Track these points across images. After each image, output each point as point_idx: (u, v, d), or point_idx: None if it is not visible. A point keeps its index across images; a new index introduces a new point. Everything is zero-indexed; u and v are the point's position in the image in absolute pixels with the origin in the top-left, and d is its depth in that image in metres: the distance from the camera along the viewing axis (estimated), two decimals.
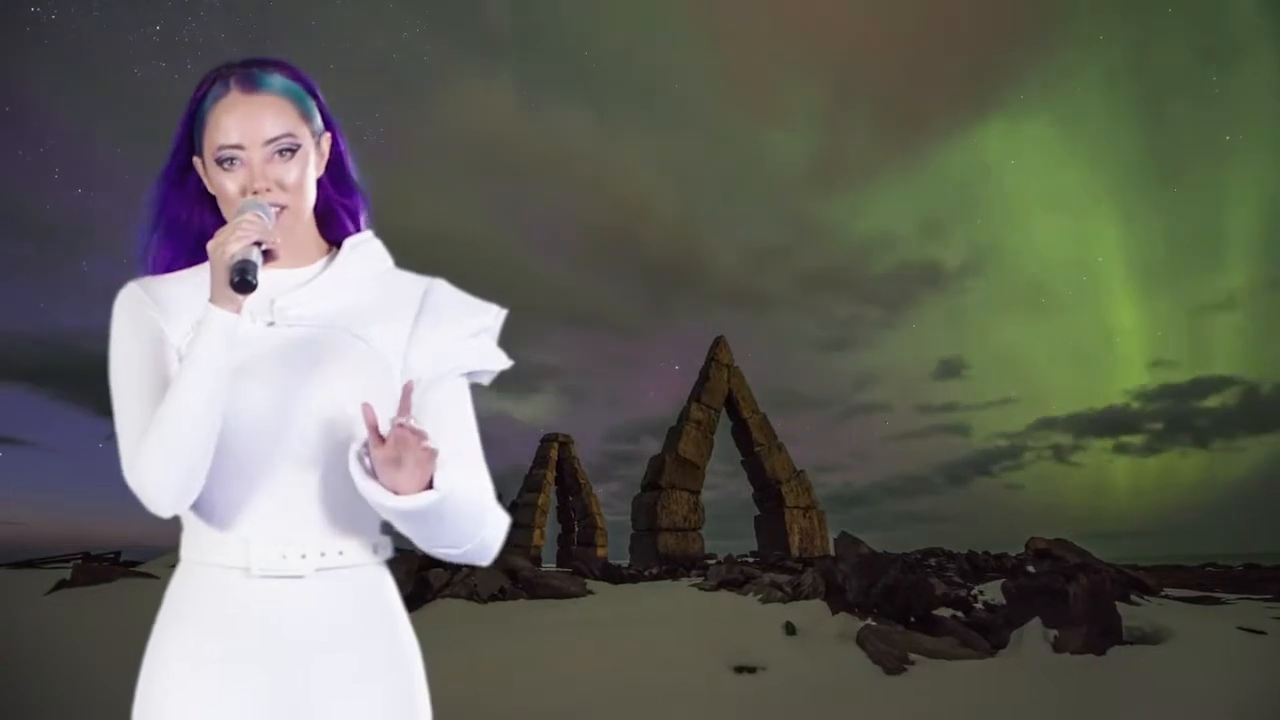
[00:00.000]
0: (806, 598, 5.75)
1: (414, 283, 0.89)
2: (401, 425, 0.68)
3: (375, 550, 0.83)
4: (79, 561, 12.94)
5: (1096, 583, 5.03)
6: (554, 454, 22.20)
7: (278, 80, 0.83)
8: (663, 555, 12.46)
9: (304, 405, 0.78)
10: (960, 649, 4.56)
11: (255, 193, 0.80)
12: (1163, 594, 8.78)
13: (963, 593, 6.20)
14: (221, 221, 0.86)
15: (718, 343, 15.41)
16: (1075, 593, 4.86)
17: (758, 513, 14.89)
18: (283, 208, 0.82)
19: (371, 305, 0.86)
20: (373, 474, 0.72)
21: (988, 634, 5.14)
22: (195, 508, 0.78)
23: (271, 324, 0.82)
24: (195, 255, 0.90)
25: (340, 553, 0.79)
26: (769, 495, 14.52)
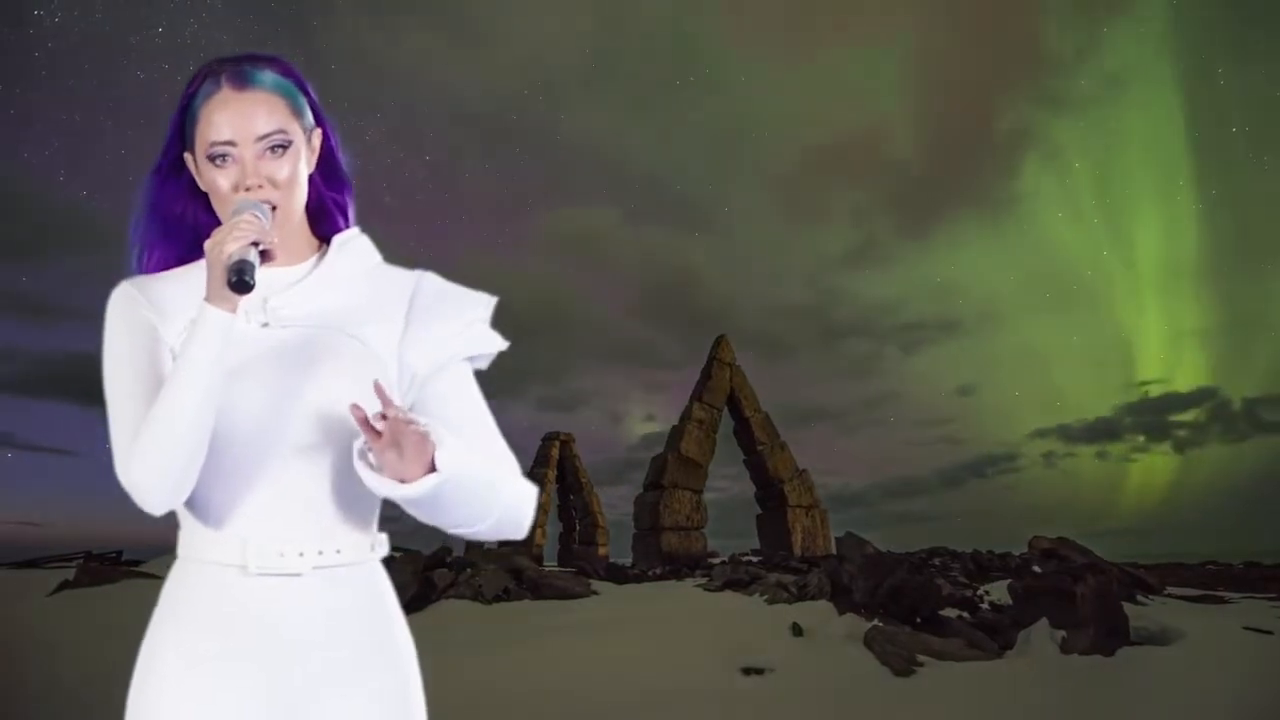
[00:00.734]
0: (813, 598, 5.74)
1: (404, 277, 0.90)
2: (387, 417, 0.69)
3: (372, 548, 0.83)
4: (81, 561, 12.94)
5: (1103, 583, 5.02)
6: (555, 453, 22.19)
7: (269, 76, 0.83)
8: (665, 554, 12.46)
9: (300, 405, 0.79)
10: (968, 650, 4.55)
11: (248, 189, 0.80)
12: (1165, 593, 8.79)
13: (968, 593, 6.19)
14: (214, 218, 0.86)
15: (719, 341, 15.38)
16: (1083, 593, 4.85)
17: (759, 511, 14.89)
18: (274, 206, 0.82)
19: (364, 302, 0.86)
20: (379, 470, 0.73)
21: (994, 634, 5.13)
22: (192, 506, 0.78)
23: (266, 325, 0.82)
24: (188, 253, 0.90)
25: (337, 551, 0.79)
26: (771, 494, 14.51)
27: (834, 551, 13.71)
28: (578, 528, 22.30)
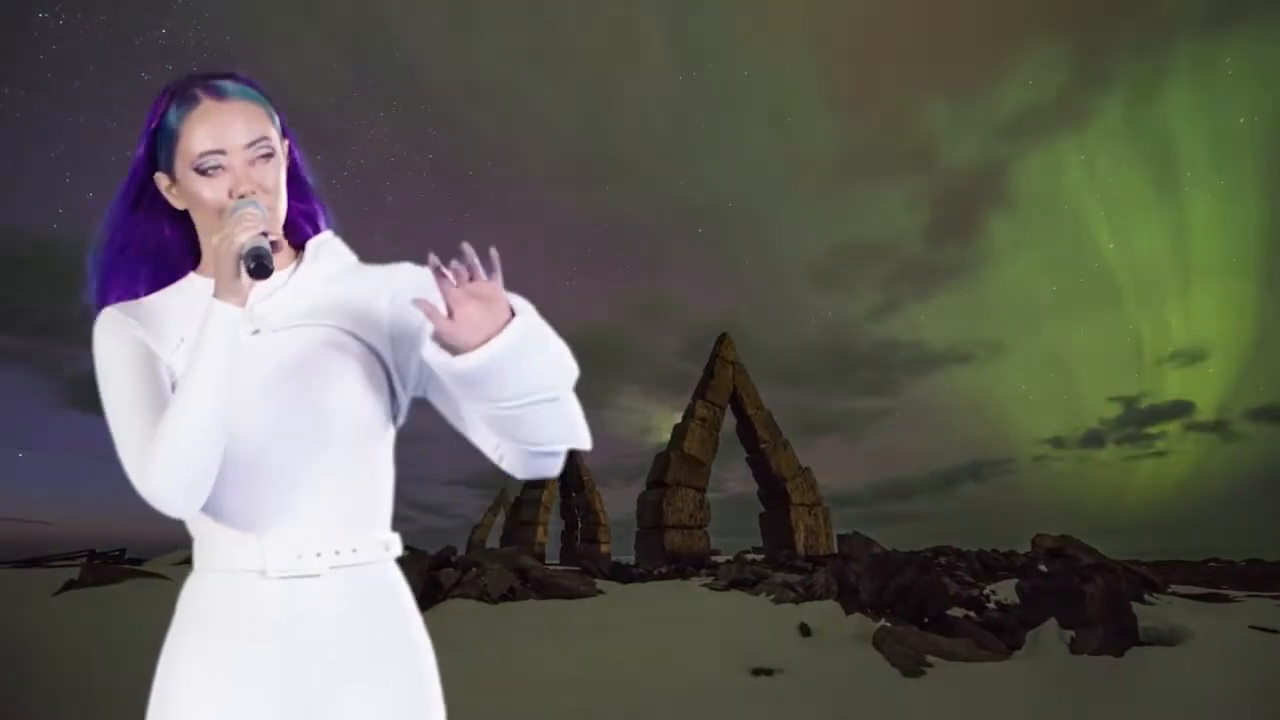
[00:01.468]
0: (819, 598, 5.73)
1: (380, 271, 0.91)
2: (458, 286, 0.72)
3: (386, 548, 0.84)
4: (85, 560, 12.94)
5: (1112, 583, 5.01)
6: None
7: (241, 87, 0.84)
8: (669, 553, 12.45)
9: (305, 405, 0.79)
10: (977, 650, 4.54)
11: (242, 195, 0.81)
12: (1169, 591, 8.78)
13: (975, 592, 6.18)
14: (183, 242, 0.88)
15: (722, 339, 15.36)
16: (1092, 593, 4.84)
17: (762, 510, 14.88)
18: (269, 209, 0.82)
19: (347, 299, 0.87)
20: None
21: (1001, 634, 5.12)
22: (208, 514, 0.79)
23: (256, 332, 0.82)
24: (156, 279, 0.89)
25: (354, 550, 0.80)
26: (774, 492, 14.50)
27: (836, 550, 13.71)
28: (580, 526, 22.32)
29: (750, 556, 12.27)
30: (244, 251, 0.74)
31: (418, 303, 0.73)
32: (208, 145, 0.80)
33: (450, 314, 0.74)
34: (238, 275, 0.75)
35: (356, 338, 0.84)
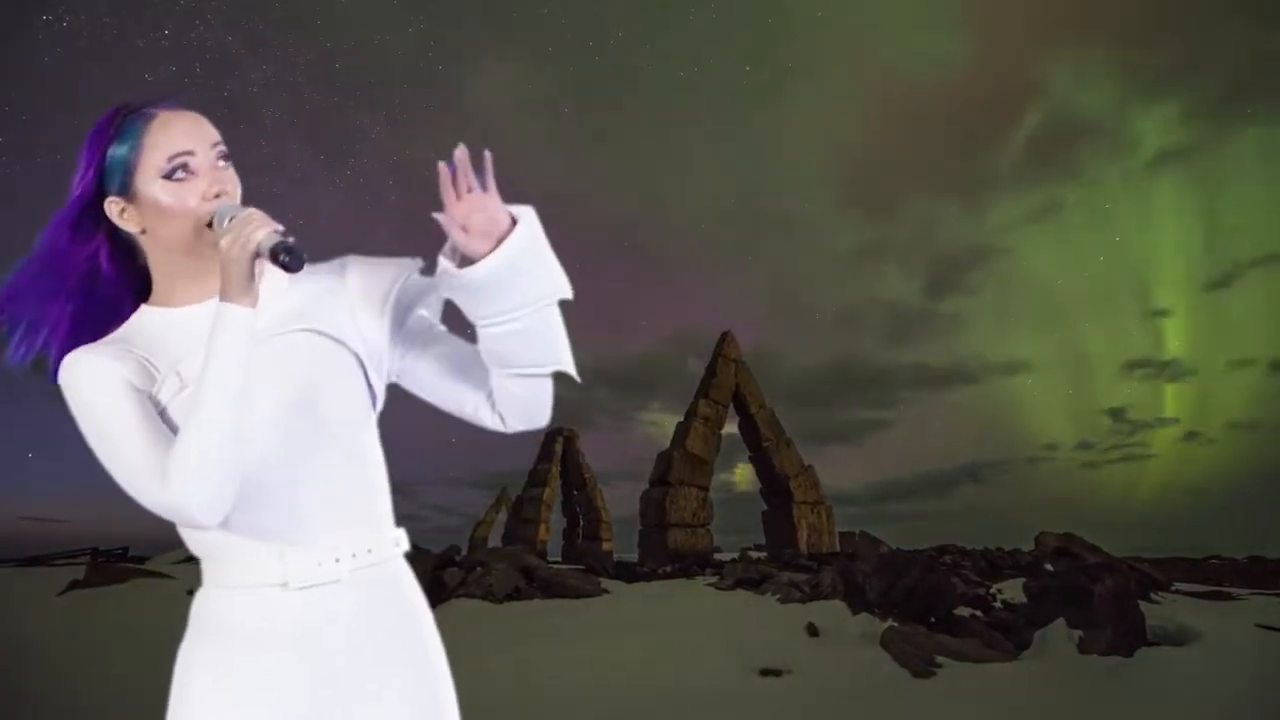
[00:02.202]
0: (825, 597, 5.72)
1: (331, 268, 0.91)
2: (459, 198, 0.75)
3: (396, 544, 0.85)
4: (89, 559, 12.95)
5: (1121, 583, 5.00)
6: (559, 449, 22.19)
7: (190, 103, 0.84)
8: (672, 551, 12.45)
9: (305, 412, 0.79)
10: (985, 650, 4.53)
11: (216, 196, 0.80)
12: (1172, 589, 8.77)
13: (981, 591, 6.17)
14: (119, 275, 0.85)
15: (724, 338, 15.33)
16: (1100, 593, 4.83)
17: (764, 508, 14.88)
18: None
19: (311, 301, 0.87)
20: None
21: (1009, 634, 5.11)
22: (220, 529, 0.78)
23: None
24: (104, 319, 0.85)
25: (369, 551, 0.81)
26: (777, 491, 14.49)
27: (838, 548, 13.71)
28: (581, 523, 22.32)
29: (753, 554, 12.26)
30: (269, 247, 0.74)
31: (437, 216, 0.76)
32: (177, 146, 0.80)
33: (460, 224, 0.76)
34: (251, 277, 0.75)
35: (331, 337, 0.84)
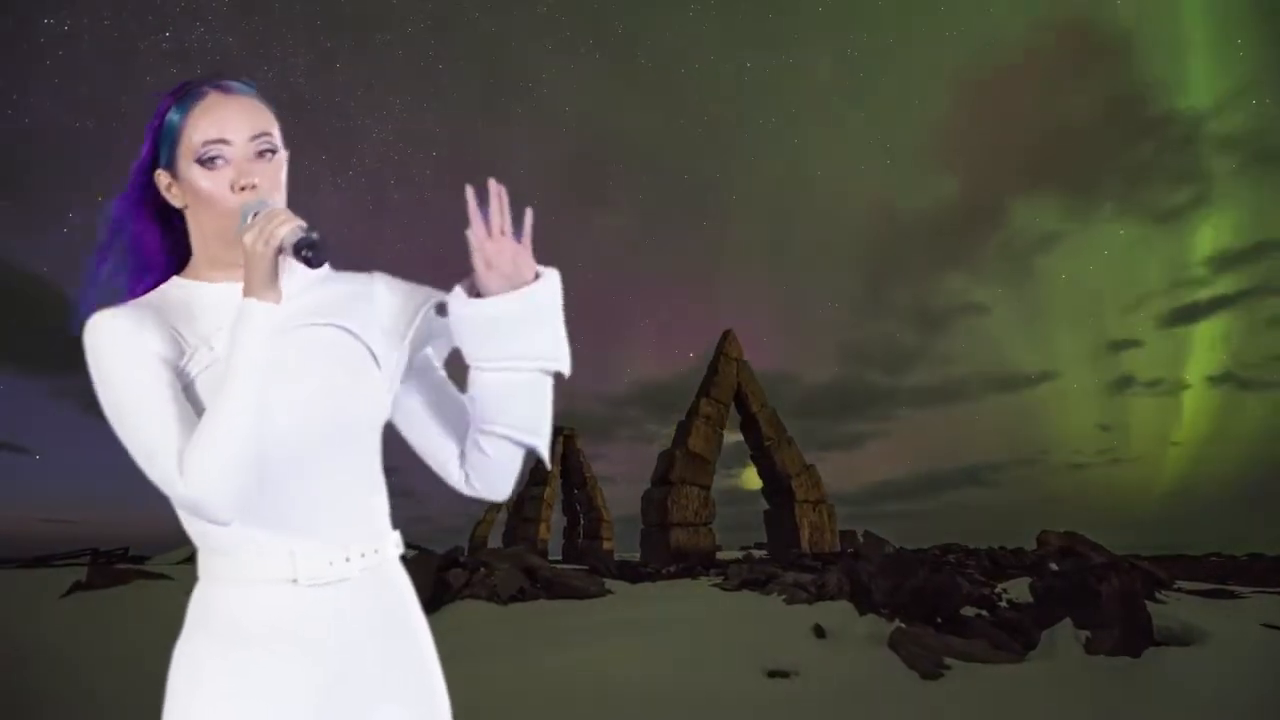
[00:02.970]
0: (831, 598, 5.70)
1: (359, 279, 0.91)
2: (491, 240, 0.76)
3: (396, 544, 0.86)
4: (90, 560, 12.92)
5: (1127, 582, 4.99)
6: (559, 447, 22.17)
7: (250, 87, 0.85)
8: (674, 550, 12.44)
9: (323, 407, 0.79)
10: (993, 651, 4.52)
11: (243, 188, 0.80)
12: (1175, 587, 8.77)
13: (986, 591, 6.16)
14: (166, 245, 0.87)
15: (726, 336, 15.31)
16: (1108, 593, 4.82)
17: (766, 507, 14.87)
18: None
19: (342, 300, 0.87)
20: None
21: (1015, 634, 5.10)
22: (229, 528, 0.77)
23: None
24: (141, 284, 0.88)
25: (376, 551, 0.81)
26: (778, 489, 14.49)
27: (840, 546, 13.70)
28: (582, 522, 22.32)
29: (755, 553, 12.26)
30: (293, 242, 0.74)
31: (470, 236, 0.76)
32: (212, 134, 0.80)
33: (486, 260, 0.77)
34: (275, 274, 0.75)
35: (355, 335, 0.85)
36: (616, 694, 4.00)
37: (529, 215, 0.78)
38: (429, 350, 0.91)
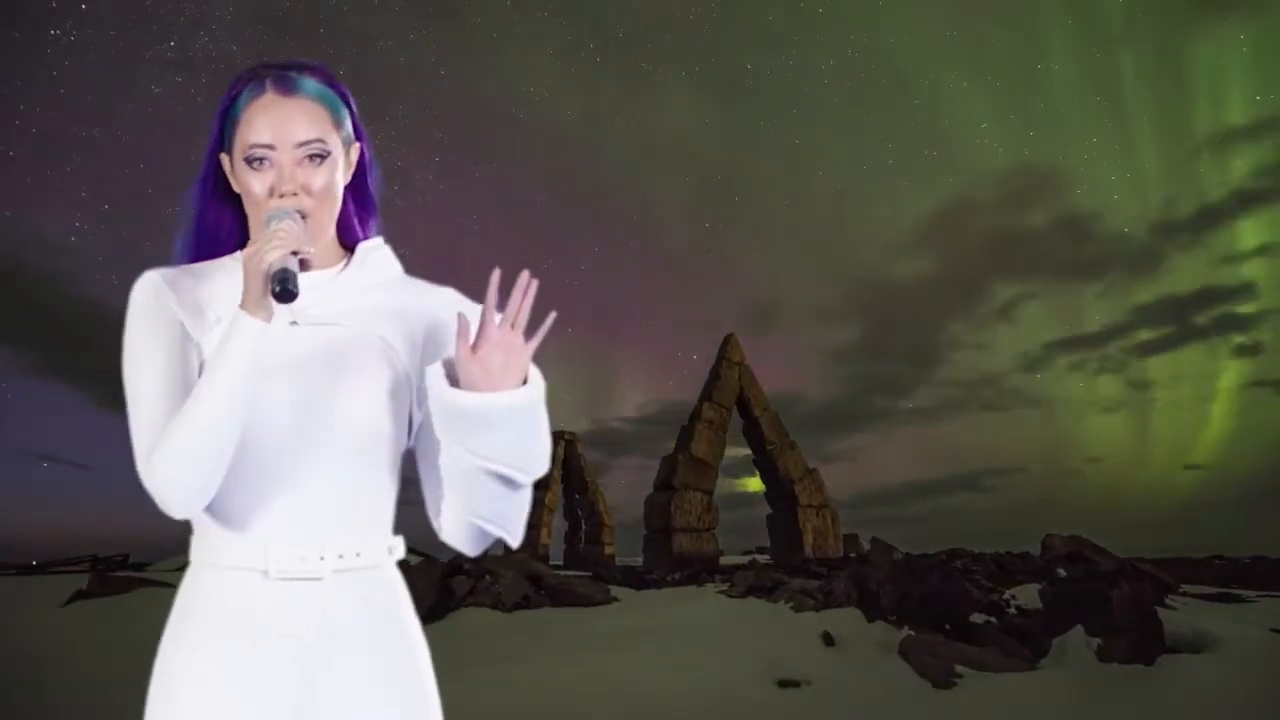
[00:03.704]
0: (839, 605, 5.66)
1: (425, 290, 0.90)
2: (500, 325, 0.72)
3: (390, 551, 0.83)
4: (90, 567, 12.86)
5: (1138, 588, 4.95)
6: (560, 452, 22.14)
7: (313, 85, 0.83)
8: (677, 556, 12.40)
9: (326, 405, 0.79)
10: (1005, 659, 4.48)
11: (281, 195, 0.80)
12: (1180, 591, 8.72)
13: (994, 597, 6.12)
14: (244, 223, 0.88)
15: (728, 340, 15.29)
16: (1118, 599, 4.78)
17: (769, 511, 14.83)
18: (306, 214, 0.82)
19: (388, 307, 0.86)
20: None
21: (1025, 641, 5.06)
22: (213, 509, 0.78)
23: (294, 323, 0.82)
24: (229, 251, 0.90)
25: (357, 554, 0.79)
26: (781, 494, 14.45)
27: (843, 551, 13.66)
28: (583, 527, 22.26)
29: (759, 559, 12.21)
30: (272, 271, 0.73)
31: (460, 317, 0.73)
32: (259, 139, 0.80)
33: (475, 345, 0.73)
34: (265, 291, 0.74)
35: (390, 346, 0.83)
36: (625, 705, 3.96)
37: (550, 319, 0.75)
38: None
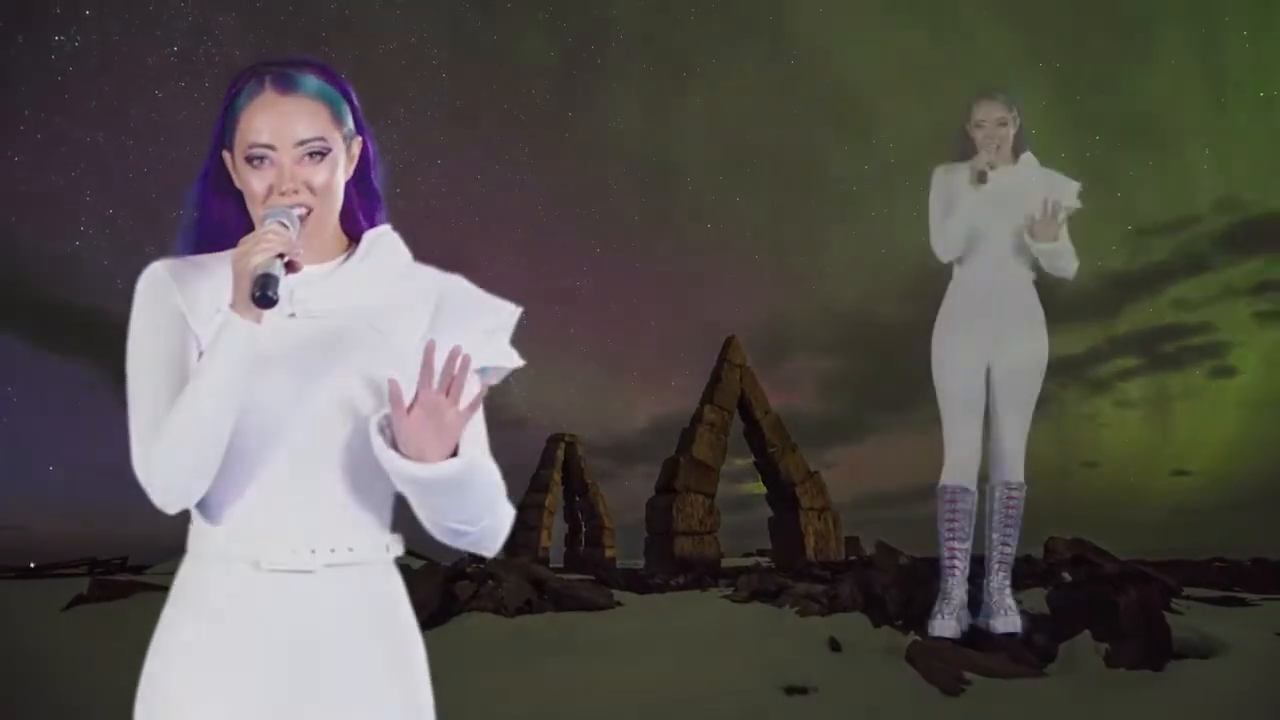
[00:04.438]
0: (845, 610, 5.63)
1: (432, 278, 0.90)
2: (433, 391, 0.71)
3: (386, 548, 0.84)
4: (88, 570, 12.81)
5: (1146, 593, 4.92)
6: (560, 454, 22.12)
7: (313, 82, 0.84)
8: (679, 559, 12.38)
9: (321, 398, 0.79)
10: (1014, 665, 4.45)
11: (282, 194, 0.81)
12: (1184, 595, 8.68)
13: None
14: (248, 220, 0.87)
15: (729, 342, 15.28)
16: (1126, 604, 4.75)
17: (771, 514, 14.81)
18: (308, 211, 0.82)
19: (390, 299, 0.86)
20: (394, 446, 0.74)
21: (1032, 647, 5.03)
22: (207, 500, 0.78)
23: (292, 315, 0.82)
24: (232, 245, 0.90)
25: (350, 549, 0.80)
26: (782, 497, 14.43)
27: (845, 555, 13.64)
28: (584, 529, 22.23)
29: (761, 561, 12.19)
30: (255, 274, 0.74)
31: (391, 383, 0.73)
32: (258, 138, 0.81)
33: (409, 407, 0.73)
34: (250, 295, 0.75)
35: (388, 338, 0.84)
36: (631, 711, 3.93)
37: (482, 391, 0.76)
38: None
